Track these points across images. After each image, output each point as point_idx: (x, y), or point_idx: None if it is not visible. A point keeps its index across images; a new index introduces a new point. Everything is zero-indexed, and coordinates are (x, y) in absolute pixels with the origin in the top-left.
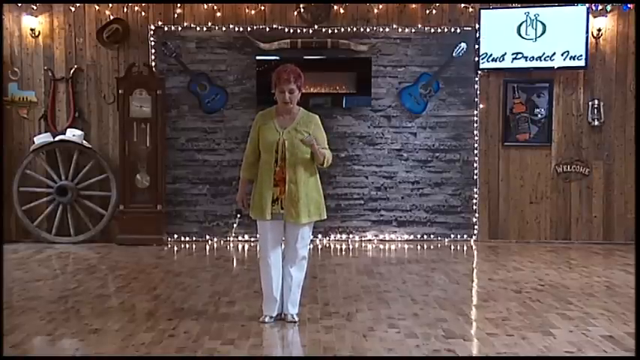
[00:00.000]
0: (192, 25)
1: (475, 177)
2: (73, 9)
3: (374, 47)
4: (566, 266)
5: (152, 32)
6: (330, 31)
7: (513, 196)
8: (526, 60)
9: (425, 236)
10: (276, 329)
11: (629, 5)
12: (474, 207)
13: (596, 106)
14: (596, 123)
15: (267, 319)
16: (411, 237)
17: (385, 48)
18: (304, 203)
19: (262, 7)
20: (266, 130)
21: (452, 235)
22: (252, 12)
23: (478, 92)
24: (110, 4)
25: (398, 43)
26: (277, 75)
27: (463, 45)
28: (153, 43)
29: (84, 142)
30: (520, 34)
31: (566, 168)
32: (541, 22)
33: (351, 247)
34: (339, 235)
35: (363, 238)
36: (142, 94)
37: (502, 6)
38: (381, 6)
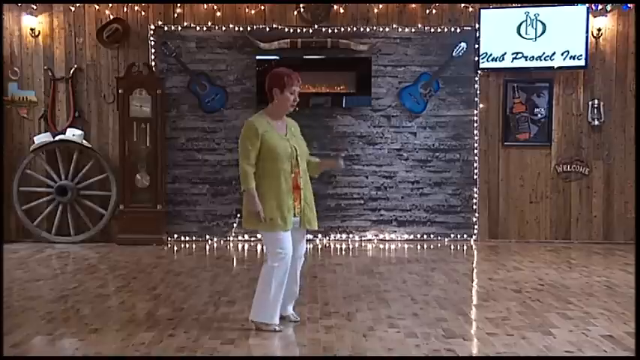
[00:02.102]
0: (192, 25)
1: (475, 177)
2: (72, 9)
3: (374, 47)
4: (566, 266)
5: (152, 32)
6: (330, 31)
7: (513, 196)
8: (526, 60)
9: (425, 236)
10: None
11: (629, 5)
12: (474, 207)
13: (596, 105)
14: (596, 123)
15: (277, 328)
16: (411, 237)
17: (385, 48)
18: (313, 208)
19: (262, 7)
20: (273, 139)
21: (452, 235)
22: (252, 12)
23: (478, 92)
24: (110, 4)
25: (398, 43)
26: (288, 76)
27: (463, 45)
28: (153, 43)
29: (84, 141)
30: (520, 34)
31: (566, 168)
32: (541, 22)
33: (351, 246)
34: (339, 235)
35: (363, 238)
36: (141, 94)
37: (502, 6)
38: (381, 6)
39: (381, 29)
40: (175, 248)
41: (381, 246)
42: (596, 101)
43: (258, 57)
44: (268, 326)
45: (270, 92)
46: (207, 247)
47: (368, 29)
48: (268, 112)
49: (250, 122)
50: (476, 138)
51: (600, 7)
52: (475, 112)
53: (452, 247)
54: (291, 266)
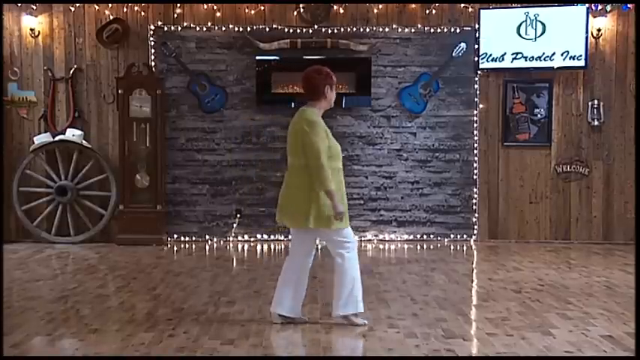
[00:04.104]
0: (192, 25)
1: (475, 177)
2: (72, 9)
3: (374, 47)
4: (565, 266)
5: (152, 32)
6: (329, 31)
7: (513, 196)
8: (526, 60)
9: (424, 236)
10: (276, 329)
11: (628, 5)
12: (474, 207)
13: (595, 106)
14: (596, 123)
15: (366, 321)
16: (411, 237)
17: (385, 48)
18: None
19: (262, 7)
20: (330, 135)
21: (451, 235)
22: (252, 12)
23: (478, 92)
24: (110, 4)
25: (398, 43)
26: (333, 76)
27: (463, 45)
28: (152, 43)
29: (84, 142)
30: (520, 34)
31: (566, 168)
32: (541, 22)
33: None
34: None
35: (362, 238)
36: (141, 94)
37: (502, 6)
38: (380, 6)
39: (380, 29)
40: (175, 248)
41: (381, 246)
42: (595, 101)
43: (257, 57)
44: (357, 317)
45: (321, 89)
46: (207, 247)
47: (368, 29)
48: (319, 109)
49: (317, 121)
50: (476, 138)
51: (600, 7)
52: (475, 112)
53: (452, 247)
54: (294, 267)
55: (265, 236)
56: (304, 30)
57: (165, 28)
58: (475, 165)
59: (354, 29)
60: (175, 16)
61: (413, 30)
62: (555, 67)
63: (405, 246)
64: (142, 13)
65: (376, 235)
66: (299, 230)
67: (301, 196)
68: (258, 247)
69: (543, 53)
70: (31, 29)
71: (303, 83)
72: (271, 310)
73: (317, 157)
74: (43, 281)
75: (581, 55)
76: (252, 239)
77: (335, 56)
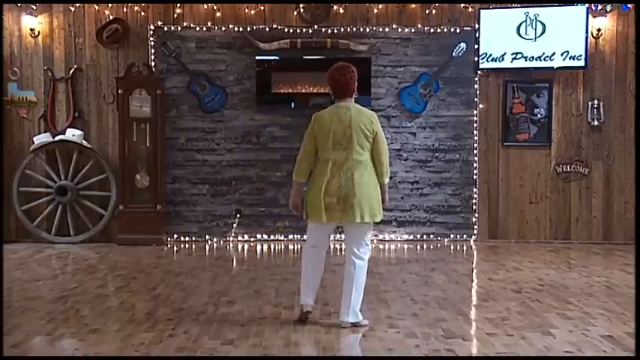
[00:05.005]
0: (191, 25)
1: (475, 177)
2: (72, 9)
3: (374, 47)
4: (565, 266)
5: (152, 32)
6: (329, 31)
7: (513, 196)
8: (526, 60)
9: (424, 236)
10: (276, 329)
11: (628, 5)
12: (474, 207)
13: (595, 106)
14: (596, 123)
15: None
16: (411, 237)
17: (385, 48)
18: None
19: (262, 7)
20: None
21: (451, 235)
22: (252, 12)
23: (478, 92)
24: (110, 4)
25: (398, 43)
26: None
27: (463, 45)
28: (152, 43)
29: (83, 142)
30: (520, 34)
31: (566, 168)
32: (541, 22)
33: None
34: (338, 235)
35: None
36: (141, 94)
37: (502, 6)
38: (380, 6)
39: (380, 29)
40: (175, 248)
41: (381, 246)
42: (595, 101)
43: (257, 57)
44: (363, 321)
45: (352, 86)
46: (207, 247)
47: (368, 29)
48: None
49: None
50: (475, 138)
51: (600, 7)
52: (475, 112)
53: (451, 247)
54: (322, 258)
55: (265, 236)
56: (304, 30)
57: (165, 28)
58: (475, 165)
59: (354, 29)
60: (175, 16)
61: (413, 30)
62: (555, 67)
63: (405, 246)
64: (142, 13)
65: (376, 235)
66: (332, 225)
67: (373, 189)
68: (258, 247)
69: (543, 53)
70: (31, 29)
71: (333, 83)
72: (306, 302)
73: (387, 150)
74: (43, 281)
75: (581, 55)
76: (252, 239)
77: (335, 56)
